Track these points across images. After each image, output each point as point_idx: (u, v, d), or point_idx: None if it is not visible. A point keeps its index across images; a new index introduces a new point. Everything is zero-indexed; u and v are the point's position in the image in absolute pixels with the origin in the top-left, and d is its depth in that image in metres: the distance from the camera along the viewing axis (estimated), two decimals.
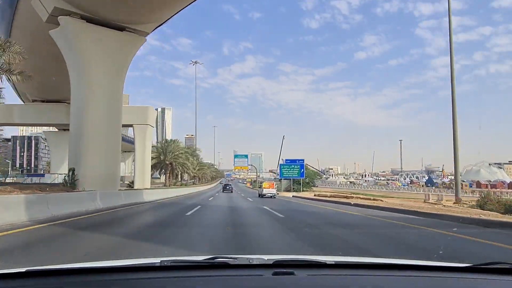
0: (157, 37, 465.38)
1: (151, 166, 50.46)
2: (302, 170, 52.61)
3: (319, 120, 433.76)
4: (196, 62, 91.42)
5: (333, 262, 1.74)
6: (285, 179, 54.35)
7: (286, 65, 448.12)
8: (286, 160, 53.19)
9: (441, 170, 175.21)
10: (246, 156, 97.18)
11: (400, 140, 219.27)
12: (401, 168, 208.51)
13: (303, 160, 53.03)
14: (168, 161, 47.82)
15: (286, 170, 52.90)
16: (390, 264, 1.78)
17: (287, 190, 56.39)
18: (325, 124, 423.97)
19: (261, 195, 34.48)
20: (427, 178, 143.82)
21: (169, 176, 53.33)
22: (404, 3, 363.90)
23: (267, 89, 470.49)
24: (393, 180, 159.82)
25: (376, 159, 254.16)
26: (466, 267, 1.67)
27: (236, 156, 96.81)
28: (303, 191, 53.41)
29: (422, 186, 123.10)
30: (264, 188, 36.20)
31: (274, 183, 45.47)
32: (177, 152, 49.09)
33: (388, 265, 1.77)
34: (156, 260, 1.65)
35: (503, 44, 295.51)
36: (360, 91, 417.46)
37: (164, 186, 48.57)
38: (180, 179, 70.15)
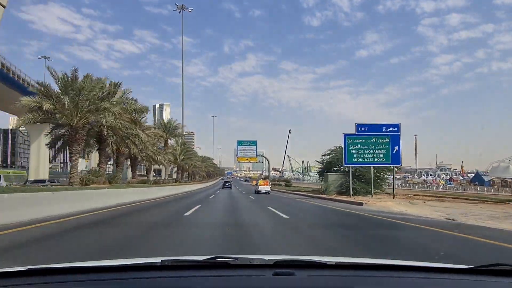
0: (157, 36, 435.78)
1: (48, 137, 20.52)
2: (396, 147, 22.41)
3: (320, 118, 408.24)
4: (182, 8, 61.52)
5: (334, 263, 1.66)
6: (356, 166, 23.80)
7: (287, 63, 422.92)
8: (358, 125, 22.82)
9: (455, 168, 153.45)
10: (254, 143, 66.90)
11: (415, 135, 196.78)
12: (416, 165, 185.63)
13: (397, 125, 22.73)
14: (78, 122, 17.59)
15: (358, 149, 22.69)
16: (391, 265, 1.67)
17: (342, 191, 26.69)
18: (327, 122, 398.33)
19: (257, 192, 33.90)
20: (473, 175, 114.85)
21: (100, 161, 23.21)
22: (405, 1, 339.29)
23: (268, 87, 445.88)
24: (410, 177, 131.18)
25: None
26: (467, 268, 1.59)
27: (240, 143, 66.61)
28: (373, 193, 23.68)
29: (469, 184, 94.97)
30: (260, 185, 35.37)
31: (269, 180, 42.14)
32: (106, 104, 18.76)
33: (389, 266, 1.66)
34: (157, 260, 1.56)
35: (506, 42, 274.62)
36: (361, 89, 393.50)
37: (70, 185, 18.45)
38: (146, 173, 39.85)
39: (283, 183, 77.77)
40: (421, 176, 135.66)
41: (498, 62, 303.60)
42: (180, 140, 54.94)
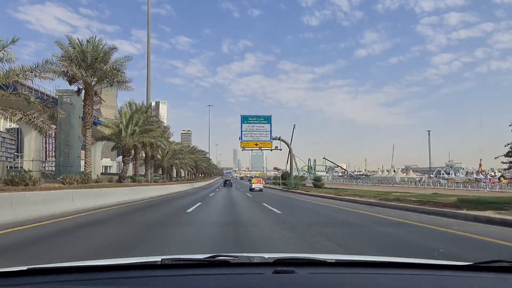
0: (156, 36, 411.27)
1: None
2: None
3: (319, 118, 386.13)
4: None
5: (334, 261, 1.62)
6: None
7: (286, 63, 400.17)
8: None
9: (463, 167, 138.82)
10: (267, 119, 40.08)
11: (428, 131, 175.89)
12: (430, 163, 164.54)
13: None
14: None
15: None
16: (391, 263, 1.63)
17: None
18: (326, 122, 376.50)
19: (251, 189, 35.43)
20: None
21: None
22: None
23: (267, 87, 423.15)
24: (447, 176, 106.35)
25: (381, 157, 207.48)
26: (467, 265, 1.56)
27: (245, 119, 39.73)
28: None
29: None
30: (253, 183, 37.08)
31: (261, 179, 43.41)
32: None
33: (388, 263, 1.62)
34: (157, 259, 1.53)
35: (505, 41, 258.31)
36: (360, 89, 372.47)
37: None
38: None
39: (309, 183, 51.88)
40: (437, 175, 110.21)
41: (497, 61, 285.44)
42: (138, 103, 28.45)
